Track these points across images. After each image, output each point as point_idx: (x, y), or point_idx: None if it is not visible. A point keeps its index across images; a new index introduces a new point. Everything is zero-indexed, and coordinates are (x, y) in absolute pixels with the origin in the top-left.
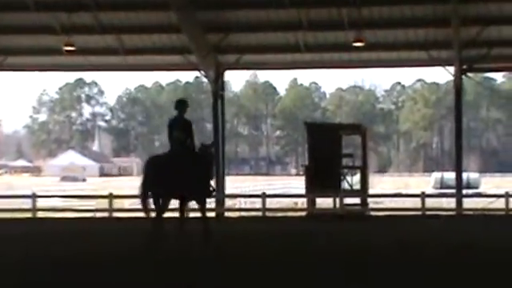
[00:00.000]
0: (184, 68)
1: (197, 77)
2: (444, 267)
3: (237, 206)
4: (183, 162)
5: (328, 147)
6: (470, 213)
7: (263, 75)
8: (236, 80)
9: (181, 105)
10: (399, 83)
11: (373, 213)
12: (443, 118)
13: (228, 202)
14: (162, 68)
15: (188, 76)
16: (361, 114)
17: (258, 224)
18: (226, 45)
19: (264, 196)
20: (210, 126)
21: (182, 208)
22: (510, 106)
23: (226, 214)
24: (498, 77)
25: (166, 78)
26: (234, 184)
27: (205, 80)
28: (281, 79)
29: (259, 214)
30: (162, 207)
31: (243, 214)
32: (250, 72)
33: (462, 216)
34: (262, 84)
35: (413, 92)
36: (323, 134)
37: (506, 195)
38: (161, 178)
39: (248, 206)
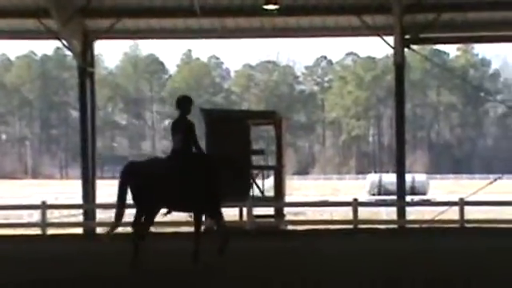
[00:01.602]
0: (40, 36)
1: (58, 48)
2: None
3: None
4: (176, 171)
5: (232, 141)
6: (416, 226)
7: (147, 46)
8: (111, 53)
9: (182, 103)
10: (325, 58)
11: (290, 227)
12: (381, 102)
13: (101, 215)
14: (9, 36)
15: (46, 47)
16: (275, 98)
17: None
18: (96, 6)
19: None
20: (75, 114)
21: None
22: (466, 88)
23: (99, 229)
24: (451, 50)
25: (15, 49)
26: (110, 190)
27: (68, 53)
28: (170, 52)
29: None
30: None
31: (121, 229)
32: (130, 42)
33: (404, 230)
34: (144, 58)
35: (342, 69)
36: (226, 125)
37: (461, 203)
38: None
39: (128, 219)
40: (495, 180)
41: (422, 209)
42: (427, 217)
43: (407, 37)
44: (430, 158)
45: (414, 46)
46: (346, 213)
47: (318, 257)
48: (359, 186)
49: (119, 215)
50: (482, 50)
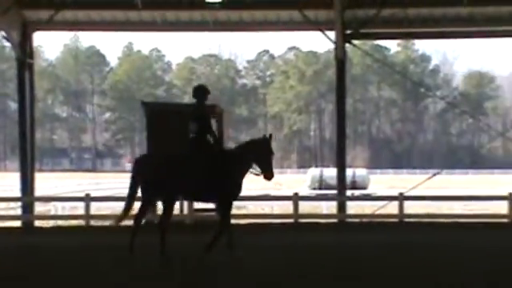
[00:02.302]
0: None
1: None
2: None
3: (52, 213)
4: (189, 160)
5: (173, 135)
6: (356, 220)
7: (88, 38)
8: (51, 44)
9: (199, 92)
10: (267, 52)
11: (232, 220)
12: (323, 97)
13: (39, 208)
14: None
15: None
16: (217, 92)
17: (77, 236)
18: None
19: (88, 199)
20: (14, 106)
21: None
22: (406, 84)
23: (38, 223)
24: (392, 45)
25: None
26: (48, 183)
27: (7, 44)
28: (112, 44)
29: (82, 222)
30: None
31: (60, 222)
32: (70, 34)
33: (344, 224)
34: (85, 50)
35: (284, 64)
36: (167, 118)
37: (401, 197)
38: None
39: (68, 212)
40: (434, 175)
41: (363, 203)
42: (367, 211)
43: (348, 32)
44: (371, 153)
45: (355, 41)
46: (286, 207)
47: (254, 250)
48: (300, 180)
49: (129, 207)
50: (422, 45)
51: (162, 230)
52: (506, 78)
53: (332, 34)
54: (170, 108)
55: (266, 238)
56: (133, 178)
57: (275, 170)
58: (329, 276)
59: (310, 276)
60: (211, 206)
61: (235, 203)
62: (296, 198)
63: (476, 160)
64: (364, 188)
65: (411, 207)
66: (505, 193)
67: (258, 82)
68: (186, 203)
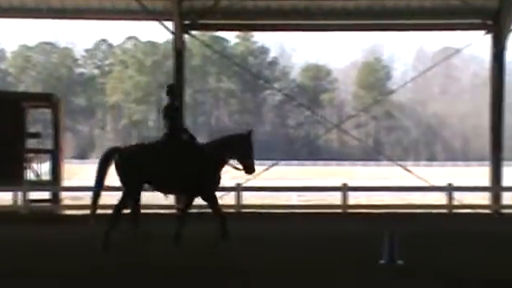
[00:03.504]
0: None
1: None
2: None
3: None
4: (164, 154)
5: (6, 124)
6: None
7: None
8: None
9: (172, 90)
10: (105, 41)
11: (69, 211)
12: (162, 87)
13: None
14: None
15: None
16: (54, 81)
17: None
18: None
19: None
20: None
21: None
22: (245, 75)
23: None
24: (232, 37)
25: None
26: None
27: None
28: None
29: None
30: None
31: None
32: None
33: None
34: None
35: (123, 53)
36: (1, 106)
37: (239, 188)
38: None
39: None
40: (272, 166)
41: None
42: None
43: (187, 22)
44: None
45: (194, 32)
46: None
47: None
48: None
49: (96, 197)
50: (261, 37)
51: (115, 219)
52: (341, 70)
53: (170, 25)
54: (3, 96)
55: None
56: (99, 168)
57: None
58: None
59: None
60: (47, 196)
61: (72, 194)
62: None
63: (313, 151)
64: None
65: (248, 198)
66: (339, 184)
67: (96, 72)
68: (19, 194)
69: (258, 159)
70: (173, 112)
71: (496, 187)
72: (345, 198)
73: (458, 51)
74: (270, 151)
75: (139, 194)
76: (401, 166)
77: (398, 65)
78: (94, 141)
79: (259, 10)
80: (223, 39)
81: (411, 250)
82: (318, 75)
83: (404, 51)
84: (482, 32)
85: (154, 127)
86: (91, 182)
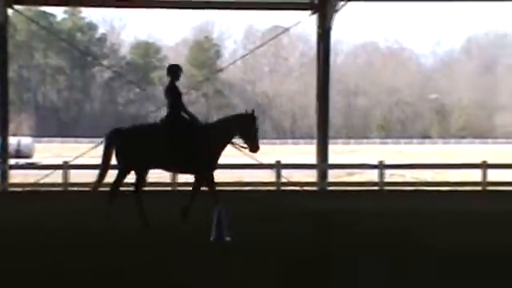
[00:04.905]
0: None
1: None
2: None
3: None
4: (165, 133)
5: None
6: (19, 189)
7: None
8: None
9: (173, 71)
10: None
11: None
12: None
13: None
14: None
15: None
16: None
17: None
18: None
19: None
20: None
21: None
22: (73, 52)
23: None
24: (59, 13)
25: None
26: None
27: None
28: None
29: None
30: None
31: None
32: None
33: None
34: None
35: None
36: None
37: (66, 166)
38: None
39: None
40: (100, 143)
41: (27, 172)
42: (31, 180)
43: None
44: (37, 121)
45: (18, 7)
46: None
47: None
48: None
49: (101, 177)
50: (89, 13)
51: (113, 195)
52: (172, 48)
53: None
54: None
55: None
56: (105, 148)
57: None
58: None
59: None
60: None
61: None
62: None
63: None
64: (29, 157)
65: (77, 176)
66: None
67: None
68: None
69: (86, 136)
70: (174, 91)
71: (322, 165)
72: (174, 176)
73: (286, 30)
74: (99, 129)
75: (144, 174)
76: (231, 143)
77: (229, 43)
78: None
79: None
80: (50, 14)
81: (240, 227)
82: (148, 52)
83: (234, 29)
84: (309, 12)
85: None
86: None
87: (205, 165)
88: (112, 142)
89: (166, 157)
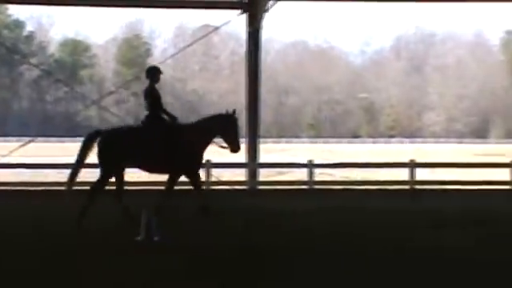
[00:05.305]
0: None
1: None
2: None
3: None
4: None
5: None
6: None
7: None
8: None
9: (152, 73)
10: None
11: None
12: None
13: None
14: None
15: None
16: None
17: None
18: None
19: None
20: None
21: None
22: (0, 50)
23: None
24: None
25: None
26: None
27: None
28: None
29: None
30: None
31: None
32: None
33: None
34: None
35: None
36: None
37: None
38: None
39: None
40: (28, 142)
41: None
42: None
43: None
44: None
45: None
46: None
47: None
48: None
49: (73, 175)
50: (16, 10)
51: (93, 197)
52: (101, 46)
53: None
54: None
55: None
56: (82, 148)
57: None
58: None
59: None
60: None
61: None
62: None
63: (72, 128)
64: None
65: (5, 176)
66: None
67: None
68: None
69: (14, 135)
70: (153, 93)
71: (252, 164)
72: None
73: (216, 29)
74: (27, 127)
75: (122, 174)
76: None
77: (159, 41)
78: None
79: None
80: None
81: (169, 226)
82: (77, 50)
83: (164, 28)
84: (239, 11)
85: None
86: None
87: (189, 164)
88: (91, 143)
89: (149, 158)
